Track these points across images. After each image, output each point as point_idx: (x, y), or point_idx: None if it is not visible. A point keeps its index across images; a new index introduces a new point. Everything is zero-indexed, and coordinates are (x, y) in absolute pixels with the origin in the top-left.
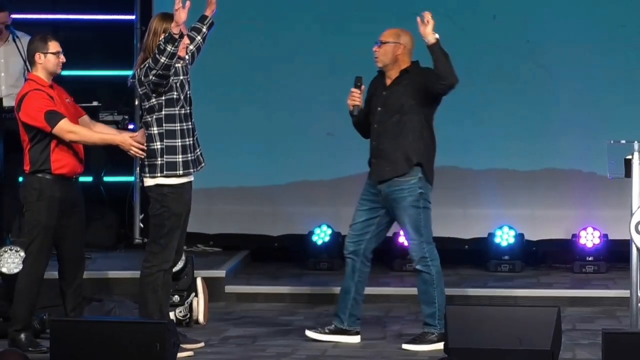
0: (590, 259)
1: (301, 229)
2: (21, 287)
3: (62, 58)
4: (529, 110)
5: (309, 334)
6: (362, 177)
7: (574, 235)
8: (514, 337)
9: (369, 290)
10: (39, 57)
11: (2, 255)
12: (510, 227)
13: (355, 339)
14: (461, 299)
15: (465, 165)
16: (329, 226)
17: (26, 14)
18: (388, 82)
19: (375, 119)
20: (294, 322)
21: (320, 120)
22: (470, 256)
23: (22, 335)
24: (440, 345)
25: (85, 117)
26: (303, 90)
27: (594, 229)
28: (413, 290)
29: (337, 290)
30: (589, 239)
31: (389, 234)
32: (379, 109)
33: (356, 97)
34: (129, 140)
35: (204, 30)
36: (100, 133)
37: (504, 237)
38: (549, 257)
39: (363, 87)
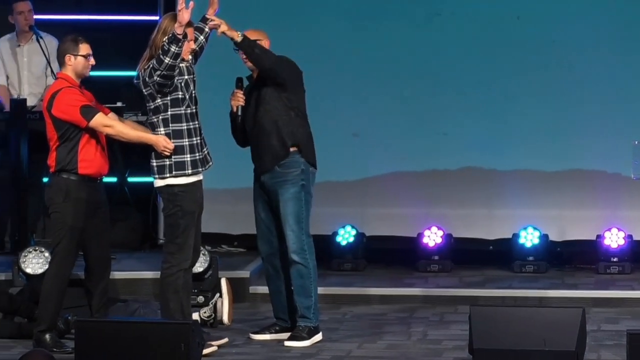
0: (615, 259)
1: (325, 229)
2: (48, 288)
3: (92, 61)
4: (553, 111)
5: (254, 336)
6: (387, 178)
7: (598, 236)
8: (538, 338)
9: (393, 290)
10: (69, 59)
11: (26, 256)
12: (535, 228)
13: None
14: (486, 300)
15: (489, 166)
16: (353, 227)
17: (50, 14)
18: (255, 80)
19: (247, 117)
20: (319, 324)
21: (345, 121)
22: (495, 257)
23: (47, 336)
24: (318, 337)
25: (111, 115)
26: (328, 90)
27: (619, 229)
28: (438, 292)
29: (361, 290)
30: (614, 239)
31: (413, 234)
32: (249, 106)
33: (239, 97)
34: (162, 142)
35: (207, 30)
36: (137, 131)
37: (529, 238)
38: (573, 258)
39: (244, 89)
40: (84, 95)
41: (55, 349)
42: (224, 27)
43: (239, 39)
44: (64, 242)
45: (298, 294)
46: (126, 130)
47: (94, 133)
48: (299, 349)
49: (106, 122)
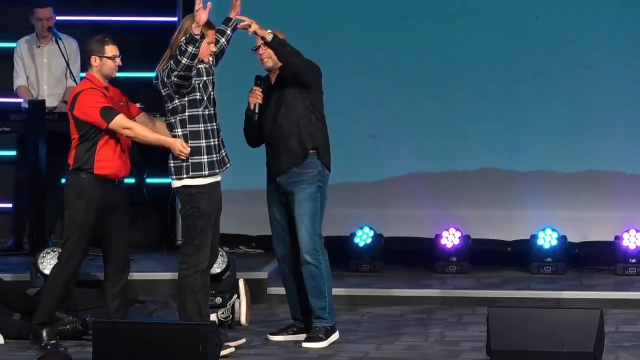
0: (634, 261)
1: (344, 230)
2: (51, 283)
3: (119, 62)
4: (572, 112)
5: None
6: (405, 179)
7: (617, 238)
8: (557, 340)
9: (411, 292)
10: (95, 61)
11: (44, 257)
12: (554, 230)
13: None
14: (504, 301)
15: (508, 168)
16: (371, 228)
17: (69, 15)
18: (273, 80)
19: (265, 118)
20: (336, 324)
21: (363, 123)
22: (513, 258)
23: (44, 331)
24: (335, 337)
25: (142, 116)
26: (345, 92)
27: (637, 231)
28: (456, 293)
29: (379, 292)
30: (632, 241)
31: (431, 236)
32: (268, 107)
33: (258, 95)
34: (179, 146)
35: (229, 32)
36: (156, 134)
37: (547, 240)
38: (592, 260)
39: (263, 86)
40: (107, 97)
41: (48, 347)
42: (255, 27)
43: (269, 37)
44: (71, 240)
45: (312, 296)
46: (145, 132)
47: (114, 135)
48: (317, 350)
49: (126, 124)
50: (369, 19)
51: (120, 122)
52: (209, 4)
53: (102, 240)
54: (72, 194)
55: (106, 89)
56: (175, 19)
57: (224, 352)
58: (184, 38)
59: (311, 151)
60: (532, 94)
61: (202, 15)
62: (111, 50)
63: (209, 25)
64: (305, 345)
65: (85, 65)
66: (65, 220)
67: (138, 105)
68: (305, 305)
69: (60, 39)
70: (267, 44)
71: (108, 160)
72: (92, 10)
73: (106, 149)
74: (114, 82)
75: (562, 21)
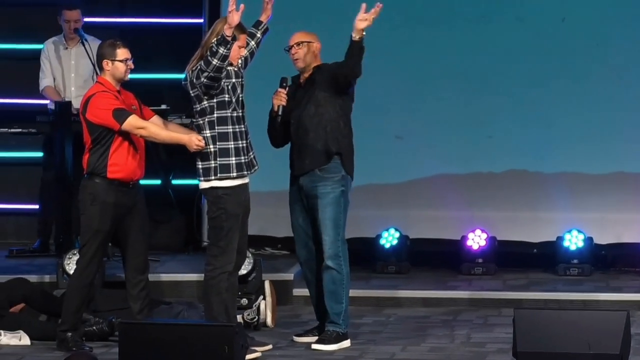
0: None
1: (369, 232)
2: (71, 289)
3: (131, 65)
4: (598, 113)
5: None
6: (431, 180)
7: None
8: (583, 341)
9: (437, 293)
10: (106, 64)
11: (70, 258)
12: (580, 231)
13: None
14: (530, 303)
15: (534, 169)
16: (397, 229)
17: (95, 17)
18: (302, 80)
19: (292, 116)
20: (362, 325)
21: (389, 123)
22: (539, 260)
23: (69, 335)
24: (346, 344)
25: (155, 118)
26: (371, 93)
27: None
28: (482, 294)
29: (405, 293)
30: None
31: (457, 237)
32: (295, 106)
33: (282, 97)
34: (195, 141)
35: (259, 35)
36: (170, 132)
37: (573, 241)
38: (618, 261)
39: (287, 88)
40: (118, 100)
41: (74, 349)
42: (365, 25)
43: (358, 38)
44: (88, 246)
45: (329, 300)
46: (159, 131)
47: (127, 137)
48: (342, 351)
49: (139, 124)
50: (395, 20)
51: (133, 122)
52: (242, 6)
53: (120, 242)
54: (86, 200)
55: (118, 92)
56: (201, 21)
57: (249, 356)
58: (215, 39)
59: (335, 155)
60: (558, 95)
61: (234, 17)
62: (122, 53)
63: (240, 28)
64: (315, 346)
65: (99, 70)
66: (81, 225)
67: (163, 106)
68: (322, 306)
69: (86, 40)
70: (353, 42)
71: (121, 164)
72: (119, 12)
73: (119, 152)
74: (140, 82)
75: (588, 22)
